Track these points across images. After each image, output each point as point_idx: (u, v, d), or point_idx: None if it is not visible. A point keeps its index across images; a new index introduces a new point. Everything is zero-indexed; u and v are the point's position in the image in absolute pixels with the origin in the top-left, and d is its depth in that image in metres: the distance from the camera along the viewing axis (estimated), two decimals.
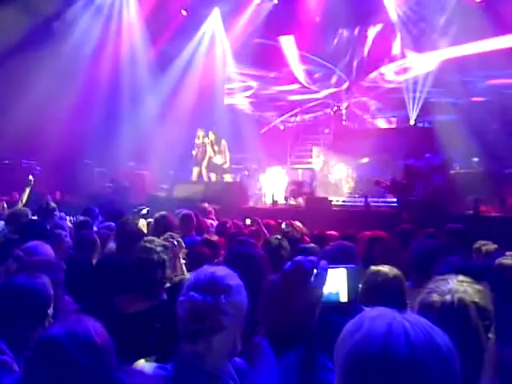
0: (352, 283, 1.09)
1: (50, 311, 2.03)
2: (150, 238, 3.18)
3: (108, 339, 1.46)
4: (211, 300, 1.56)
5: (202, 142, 12.91)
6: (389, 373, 0.87)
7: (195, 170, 13.11)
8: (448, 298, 1.49)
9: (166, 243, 3.83)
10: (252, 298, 1.67)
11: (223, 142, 12.82)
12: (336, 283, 1.07)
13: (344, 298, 1.08)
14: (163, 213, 5.18)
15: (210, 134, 12.76)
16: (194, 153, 13.00)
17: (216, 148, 12.71)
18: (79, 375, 1.33)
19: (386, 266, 2.87)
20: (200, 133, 12.94)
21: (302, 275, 1.03)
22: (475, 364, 1.36)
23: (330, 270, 1.06)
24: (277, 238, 3.79)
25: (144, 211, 5.23)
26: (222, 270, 1.69)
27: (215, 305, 1.56)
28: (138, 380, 1.42)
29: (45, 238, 3.53)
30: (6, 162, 12.65)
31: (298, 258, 1.07)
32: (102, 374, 1.31)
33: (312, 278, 1.03)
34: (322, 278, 1.04)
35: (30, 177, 7.21)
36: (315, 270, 1.04)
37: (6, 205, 7.18)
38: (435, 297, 1.51)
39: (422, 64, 13.95)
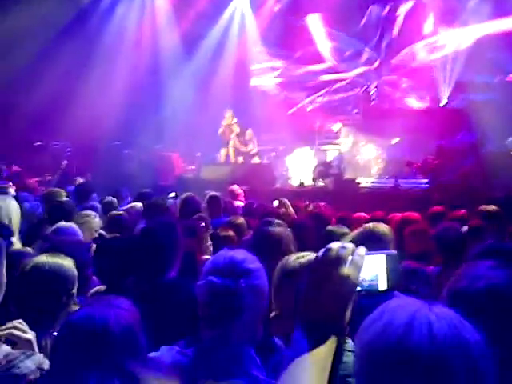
0: (392, 270, 1.03)
1: (75, 292, 2.05)
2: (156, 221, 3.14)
3: (130, 325, 1.43)
4: (230, 284, 1.53)
5: (229, 124, 12.79)
6: (406, 366, 0.82)
7: (223, 152, 13.02)
8: (479, 284, 1.38)
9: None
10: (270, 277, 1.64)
11: (249, 131, 12.57)
12: (374, 270, 1.01)
13: (383, 286, 1.01)
14: (190, 194, 5.19)
15: (235, 126, 12.55)
16: (219, 132, 12.85)
17: (242, 139, 12.52)
18: (92, 362, 1.32)
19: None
20: (227, 114, 12.82)
21: (336, 261, 0.97)
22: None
23: (367, 257, 0.99)
24: (302, 221, 3.74)
25: (172, 194, 5.26)
26: (241, 254, 1.65)
27: (235, 289, 1.53)
28: (152, 372, 1.40)
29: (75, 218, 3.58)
30: (38, 143, 12.88)
31: (332, 244, 1.01)
32: (113, 364, 1.30)
33: (347, 265, 0.97)
34: (357, 266, 0.98)
35: (64, 162, 7.32)
36: (350, 257, 0.98)
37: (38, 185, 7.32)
38: (465, 284, 1.40)
39: (455, 41, 13.52)
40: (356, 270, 0.97)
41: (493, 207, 4.87)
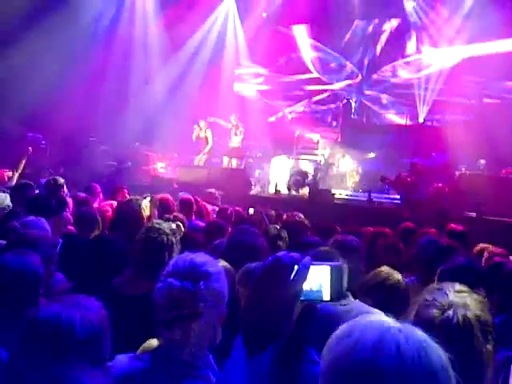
0: (335, 281, 1.04)
1: (41, 290, 2.00)
2: (159, 220, 3.15)
3: (96, 329, 1.41)
4: (190, 286, 1.52)
5: (204, 135, 12.99)
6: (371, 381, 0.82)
7: (197, 158, 13.18)
8: (450, 314, 1.39)
9: (174, 226, 3.83)
10: None
11: (241, 127, 12.91)
12: (319, 280, 1.02)
13: (327, 297, 1.02)
14: (164, 195, 5.14)
15: (233, 117, 12.84)
16: (193, 138, 13.02)
17: (237, 132, 12.79)
18: (54, 360, 1.30)
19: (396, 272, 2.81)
20: (202, 124, 12.97)
21: (281, 271, 0.98)
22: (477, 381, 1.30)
23: (312, 267, 1.00)
24: (276, 228, 3.75)
25: (147, 199, 5.18)
26: (201, 257, 1.64)
27: (194, 291, 1.52)
28: (99, 380, 1.37)
29: (48, 213, 3.51)
30: (11, 134, 12.60)
31: (280, 253, 1.02)
32: (74, 365, 1.28)
33: (292, 275, 0.99)
34: (301, 275, 0.99)
35: (29, 148, 7.20)
36: (296, 267, 0.99)
37: (7, 177, 7.16)
38: (435, 312, 1.40)
39: (436, 61, 13.82)
40: (300, 279, 0.98)
41: (460, 227, 4.98)
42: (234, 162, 12.95)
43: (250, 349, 0.95)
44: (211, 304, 1.54)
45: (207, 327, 1.56)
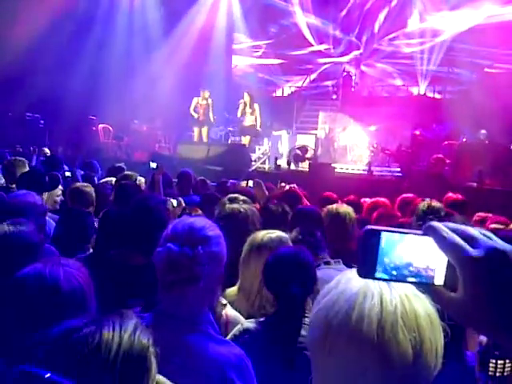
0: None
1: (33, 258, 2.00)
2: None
3: (80, 284, 1.43)
4: (188, 251, 1.53)
5: (206, 104, 12.64)
6: (357, 333, 0.83)
7: (196, 131, 12.92)
8: None
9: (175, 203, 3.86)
10: (235, 252, 1.63)
11: (256, 105, 12.28)
12: (422, 257, 0.72)
13: (439, 281, 0.72)
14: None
15: (246, 95, 12.26)
16: (194, 115, 12.66)
17: (249, 110, 12.18)
18: (40, 318, 1.29)
19: None
20: (205, 94, 12.64)
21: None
22: None
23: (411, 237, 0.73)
24: (278, 206, 3.67)
25: (153, 165, 5.23)
26: (200, 221, 1.65)
27: (192, 256, 1.53)
28: None
29: (41, 188, 3.51)
30: (10, 114, 12.57)
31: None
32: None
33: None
34: None
35: None
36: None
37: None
38: None
39: (436, 31, 13.64)
40: None
41: (459, 196, 4.96)
42: (246, 140, 12.39)
43: None
44: (210, 267, 1.56)
45: (206, 289, 1.58)
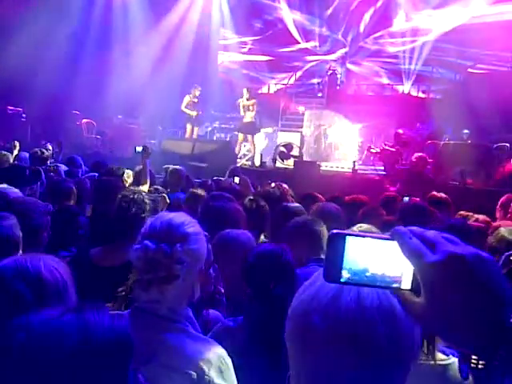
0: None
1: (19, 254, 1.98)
2: (138, 189, 3.08)
3: (62, 276, 1.42)
4: (166, 249, 1.49)
5: (197, 101, 12.38)
6: (334, 330, 0.83)
7: (189, 128, 12.68)
8: None
9: (154, 197, 3.79)
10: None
11: (254, 101, 11.95)
12: (386, 261, 0.72)
13: (406, 285, 0.72)
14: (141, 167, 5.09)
15: (245, 91, 11.96)
16: (190, 112, 12.35)
17: (250, 106, 11.85)
18: (23, 308, 1.29)
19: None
20: (195, 91, 12.36)
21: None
22: None
23: (375, 241, 0.72)
24: (250, 199, 3.66)
25: (139, 149, 5.09)
26: (179, 217, 1.59)
27: (170, 254, 1.49)
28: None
29: (21, 183, 3.46)
30: None
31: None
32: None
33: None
34: None
35: None
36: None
37: None
38: None
39: (422, 31, 13.75)
40: None
41: (442, 195, 5.01)
42: (241, 137, 12.10)
43: None
44: (188, 265, 1.52)
45: (185, 286, 1.55)
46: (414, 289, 0.69)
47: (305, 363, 0.88)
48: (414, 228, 0.70)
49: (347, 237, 0.71)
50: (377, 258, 0.71)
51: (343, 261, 0.71)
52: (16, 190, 2.73)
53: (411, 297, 0.69)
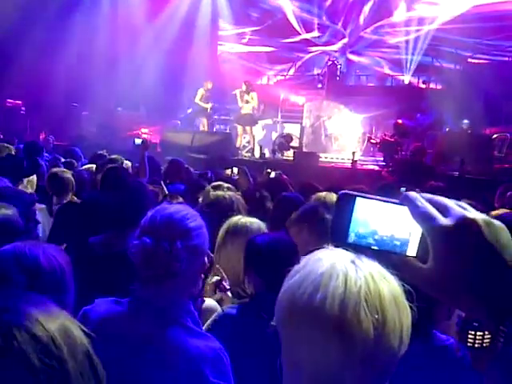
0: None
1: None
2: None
3: (60, 264, 1.42)
4: (165, 246, 1.43)
5: (209, 94, 12.28)
6: (318, 314, 0.84)
7: (204, 121, 12.50)
8: None
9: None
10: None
11: (254, 94, 11.79)
12: (394, 227, 0.71)
13: (412, 251, 0.72)
14: (150, 156, 5.11)
15: (243, 84, 11.83)
16: (205, 105, 12.28)
17: (246, 98, 11.72)
18: (21, 295, 1.30)
19: None
20: (208, 84, 12.25)
21: None
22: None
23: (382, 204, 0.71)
24: (256, 192, 3.67)
25: (138, 141, 5.14)
26: (180, 211, 1.52)
27: (169, 251, 1.43)
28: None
29: (19, 174, 3.47)
30: None
31: None
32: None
33: None
34: None
35: None
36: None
37: None
38: None
39: (422, 21, 13.69)
40: None
41: (441, 184, 5.02)
42: (240, 129, 11.97)
43: None
44: (188, 262, 1.47)
45: (185, 281, 1.52)
46: (420, 256, 0.68)
47: (294, 346, 0.88)
48: (426, 194, 0.70)
49: (357, 198, 0.70)
50: (385, 221, 0.70)
51: (351, 222, 0.70)
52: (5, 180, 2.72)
53: (417, 263, 0.69)
